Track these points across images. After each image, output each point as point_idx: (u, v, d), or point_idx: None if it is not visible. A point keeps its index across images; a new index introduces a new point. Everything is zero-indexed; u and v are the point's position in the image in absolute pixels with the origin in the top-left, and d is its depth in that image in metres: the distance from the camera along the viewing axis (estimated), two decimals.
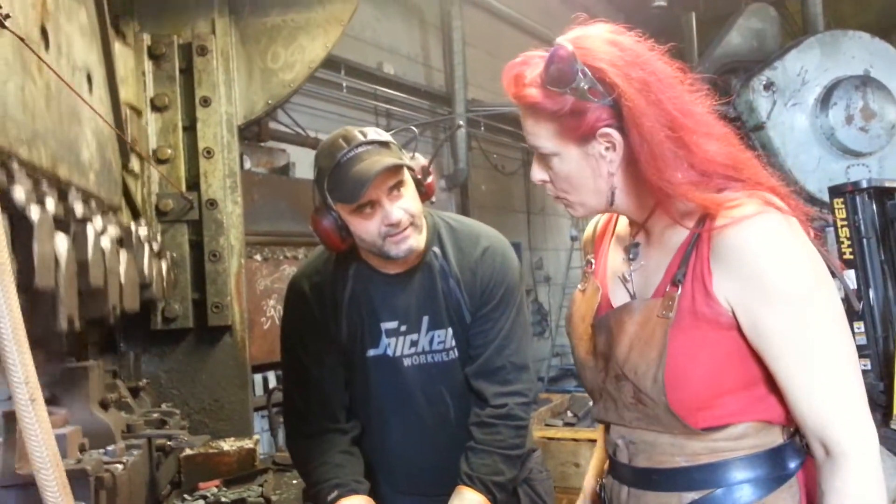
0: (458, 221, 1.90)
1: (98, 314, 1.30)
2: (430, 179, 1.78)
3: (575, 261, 10.52)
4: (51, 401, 1.69)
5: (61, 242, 1.06)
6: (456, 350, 1.81)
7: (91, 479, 1.36)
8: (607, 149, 1.21)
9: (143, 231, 1.72)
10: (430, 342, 1.80)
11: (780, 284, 1.14)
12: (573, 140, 1.22)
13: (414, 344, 1.80)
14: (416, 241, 1.70)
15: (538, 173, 1.29)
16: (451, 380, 1.81)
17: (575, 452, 3.63)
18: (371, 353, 1.81)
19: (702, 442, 1.21)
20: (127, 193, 2.00)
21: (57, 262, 1.03)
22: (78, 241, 1.17)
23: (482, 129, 8.23)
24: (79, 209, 1.20)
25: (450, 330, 1.80)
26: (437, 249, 1.82)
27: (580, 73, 1.17)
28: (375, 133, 1.69)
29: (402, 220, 1.66)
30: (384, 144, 1.68)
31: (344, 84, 6.32)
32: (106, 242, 1.30)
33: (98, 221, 1.30)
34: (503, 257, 1.83)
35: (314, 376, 1.83)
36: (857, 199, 4.32)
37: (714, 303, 1.17)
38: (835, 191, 4.48)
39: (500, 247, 1.85)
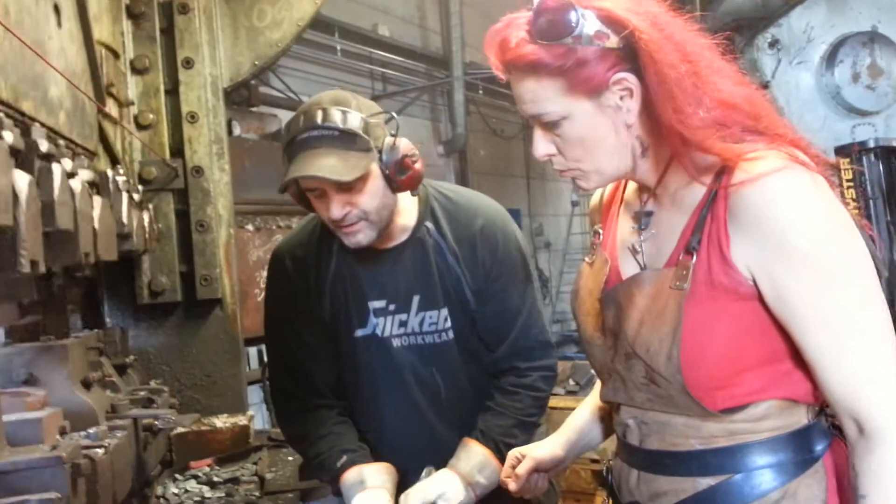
0: (455, 192, 1.81)
1: (69, 261, 1.18)
2: (405, 175, 1.60)
3: (576, 227, 10.45)
4: (29, 381, 1.61)
5: (21, 178, 0.95)
6: (451, 332, 1.74)
7: (67, 466, 1.27)
8: (623, 97, 1.10)
9: (121, 178, 1.59)
10: (421, 323, 1.73)
11: (805, 247, 1.03)
12: (584, 94, 1.10)
13: (403, 324, 1.73)
14: (365, 236, 1.61)
15: (543, 146, 1.17)
16: (443, 361, 1.75)
17: None
18: (359, 332, 1.75)
19: (719, 423, 1.12)
20: (104, 139, 1.86)
21: (16, 197, 0.92)
22: (43, 180, 1.05)
23: (481, 92, 8.08)
24: (43, 145, 1.08)
25: (445, 310, 1.72)
26: (430, 224, 1.73)
27: (581, 17, 1.06)
28: (342, 117, 1.54)
29: (345, 218, 1.57)
30: (347, 136, 1.54)
31: (338, 47, 6.16)
32: (76, 184, 1.18)
33: (67, 162, 1.19)
34: (505, 231, 1.75)
35: (298, 356, 1.77)
36: (864, 158, 4.23)
37: (732, 270, 1.07)
38: (841, 151, 4.38)
39: (500, 220, 1.77)
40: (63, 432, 1.50)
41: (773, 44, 6.27)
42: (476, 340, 1.76)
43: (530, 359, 1.76)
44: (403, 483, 1.69)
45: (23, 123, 1.10)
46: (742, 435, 1.12)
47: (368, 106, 1.64)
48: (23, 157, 1.03)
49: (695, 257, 1.10)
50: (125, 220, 1.57)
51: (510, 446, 1.65)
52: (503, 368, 1.77)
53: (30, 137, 1.06)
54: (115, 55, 2.04)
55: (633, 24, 1.06)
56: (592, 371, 1.72)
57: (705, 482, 1.14)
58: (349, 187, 1.54)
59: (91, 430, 1.52)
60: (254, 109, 4.50)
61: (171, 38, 2.34)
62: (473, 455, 1.67)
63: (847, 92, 6.22)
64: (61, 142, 1.28)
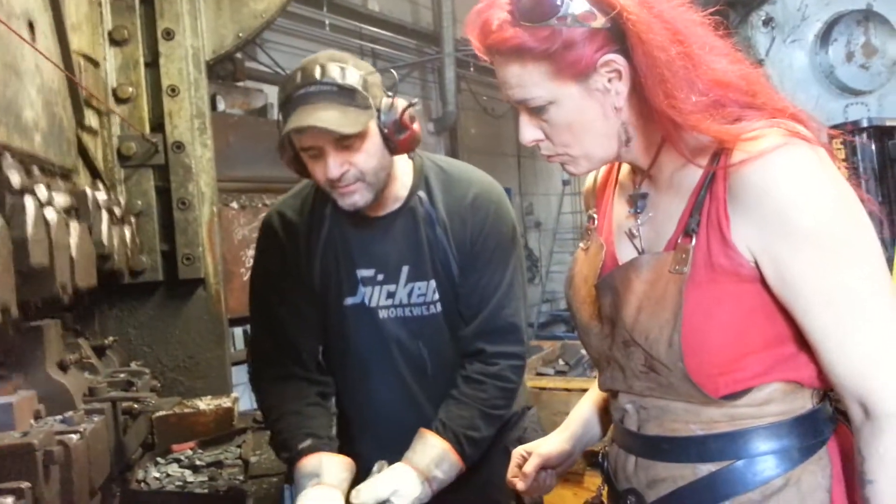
0: (450, 164, 1.76)
1: (44, 295, 1.19)
2: (403, 135, 1.56)
3: (566, 206, 10.42)
4: (2, 364, 1.55)
5: None
6: (439, 304, 1.68)
7: (39, 453, 1.22)
8: (611, 80, 1.06)
9: (101, 195, 1.59)
10: (409, 294, 1.68)
11: (807, 224, 0.99)
12: (571, 78, 1.05)
13: (391, 295, 1.68)
14: (361, 197, 1.57)
15: (529, 132, 1.13)
16: (430, 335, 1.70)
17: (567, 402, 3.53)
18: (349, 301, 1.70)
19: (720, 409, 1.08)
20: (84, 153, 1.82)
21: None
22: (15, 216, 1.04)
23: (472, 69, 7.98)
24: (15, 179, 1.06)
25: (433, 282, 1.67)
26: (422, 194, 1.68)
27: None
28: (340, 73, 1.51)
29: (343, 177, 1.52)
30: (346, 91, 1.50)
31: (326, 22, 6.06)
32: (51, 214, 1.17)
33: (42, 191, 1.17)
34: (497, 206, 1.69)
35: (282, 318, 1.72)
36: (857, 138, 4.20)
37: (733, 252, 1.03)
38: (834, 130, 4.35)
39: (495, 194, 1.71)
40: (37, 417, 1.45)
41: (768, 21, 6.20)
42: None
43: (497, 342, 1.67)
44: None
45: None
46: (744, 420, 1.08)
47: (365, 66, 1.59)
48: None
49: (694, 240, 1.05)
50: (105, 240, 1.56)
51: (472, 439, 1.60)
52: (470, 351, 1.69)
53: (0, 172, 1.03)
54: (95, 64, 1.98)
55: (620, 3, 1.01)
56: (583, 352, 1.67)
57: (705, 468, 1.10)
58: (348, 145, 1.51)
59: (67, 415, 1.47)
60: (239, 84, 4.40)
61: (150, 8, 2.26)
62: (431, 448, 1.58)
63: (841, 71, 6.17)
64: (36, 170, 1.25)
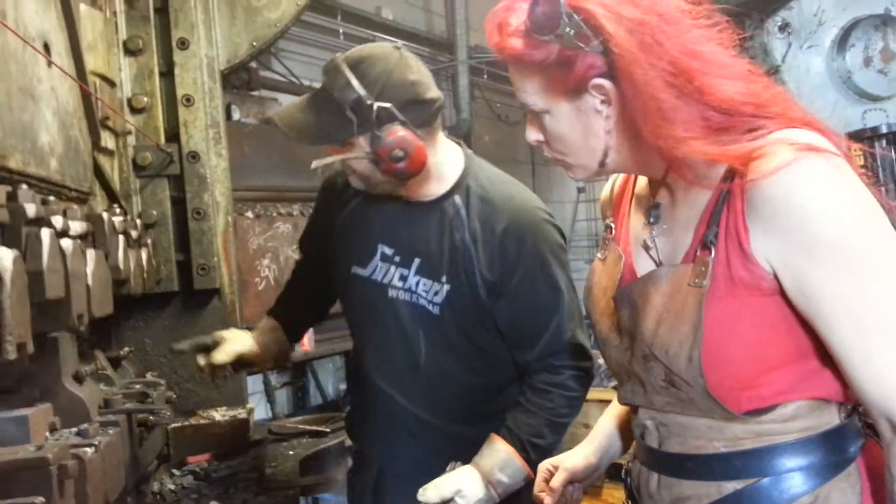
0: (492, 185, 1.74)
1: (60, 328, 1.20)
2: (400, 163, 1.54)
3: (581, 213, 10.38)
4: (17, 376, 1.55)
5: (5, 256, 0.93)
6: (439, 308, 1.68)
7: (53, 467, 1.20)
8: (603, 102, 1.06)
9: (117, 219, 1.58)
10: (417, 284, 1.71)
11: (827, 237, 0.96)
12: (562, 94, 1.07)
13: (403, 278, 1.72)
14: (356, 184, 1.68)
15: (532, 133, 1.16)
16: (430, 329, 1.72)
17: (585, 413, 3.46)
18: (356, 270, 1.77)
19: (745, 425, 1.05)
20: (100, 175, 1.82)
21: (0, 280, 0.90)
22: (31, 248, 1.04)
23: (485, 77, 7.97)
24: (31, 210, 1.06)
25: (445, 287, 1.67)
26: (458, 199, 1.69)
27: (565, 17, 1.01)
28: (343, 84, 1.53)
29: (343, 164, 1.63)
30: (334, 103, 1.55)
31: (340, 30, 6.07)
32: (67, 243, 1.16)
33: (58, 220, 1.16)
34: (534, 233, 1.68)
35: (309, 231, 2.01)
36: (876, 145, 4.15)
37: (753, 265, 1.01)
38: (853, 137, 4.30)
39: (526, 222, 1.69)
40: (53, 429, 1.44)
41: (784, 27, 6.17)
42: (473, 323, 1.71)
43: (564, 359, 1.70)
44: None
45: (9, 182, 1.08)
46: (770, 436, 1.05)
47: (400, 78, 1.57)
48: (8, 228, 1.00)
49: (713, 252, 1.03)
50: (121, 265, 1.56)
51: (537, 446, 1.63)
52: (536, 368, 1.71)
53: (16, 202, 1.03)
54: (111, 84, 1.99)
55: (607, 32, 1.00)
56: (600, 361, 1.66)
57: (731, 486, 1.07)
58: (341, 143, 1.60)
59: (82, 427, 1.46)
60: (254, 93, 4.40)
61: (165, 18, 2.26)
62: (496, 452, 1.63)
63: (858, 77, 6.11)
64: (52, 198, 1.24)
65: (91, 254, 1.30)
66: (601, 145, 1.10)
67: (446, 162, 1.70)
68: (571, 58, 1.04)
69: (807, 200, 0.97)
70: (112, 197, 1.92)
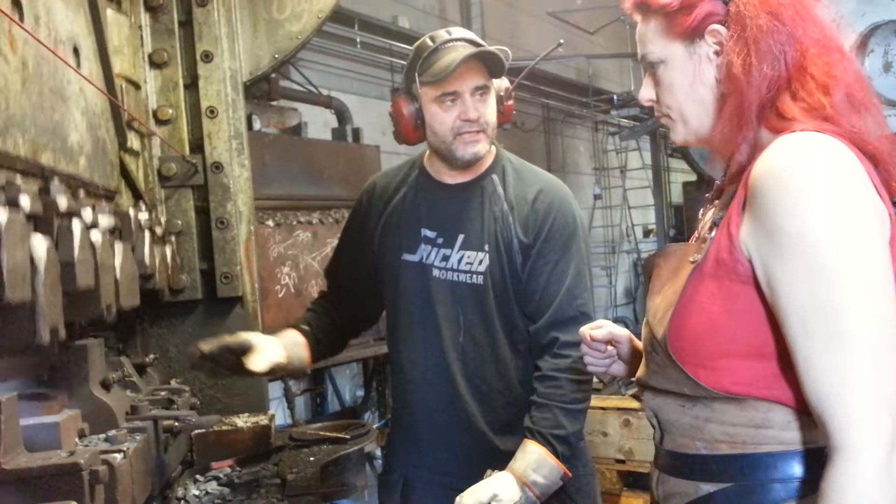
0: (522, 163, 1.99)
1: (91, 316, 1.22)
2: (509, 102, 1.87)
3: (597, 219, 10.35)
4: (48, 383, 1.58)
5: (39, 245, 0.95)
6: (481, 276, 1.81)
7: (85, 473, 1.24)
8: (716, 53, 1.11)
9: (143, 216, 1.62)
10: (459, 261, 1.83)
11: (791, 230, 0.97)
12: (679, 37, 1.12)
13: (445, 258, 1.85)
14: (482, 147, 1.81)
15: (646, 91, 1.22)
16: (469, 303, 1.83)
17: (602, 422, 3.49)
18: (406, 257, 1.89)
19: (721, 427, 1.07)
20: (126, 175, 1.86)
21: (34, 267, 0.93)
22: (63, 239, 1.08)
23: None
24: (62, 203, 1.09)
25: (483, 254, 1.81)
26: (495, 177, 1.88)
27: None
28: (474, 37, 1.83)
29: (479, 119, 1.77)
30: (483, 48, 1.79)
31: (358, 40, 6.12)
32: (97, 236, 1.20)
33: (88, 213, 1.20)
34: (561, 201, 1.88)
35: (335, 259, 2.14)
36: None
37: (735, 249, 1.04)
38: None
39: (558, 191, 1.91)
40: (82, 436, 1.47)
41: None
42: (511, 294, 1.82)
43: (570, 331, 1.73)
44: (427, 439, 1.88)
45: (42, 177, 1.11)
46: (745, 445, 1.07)
47: None
48: (41, 219, 1.03)
49: (713, 232, 1.09)
50: (147, 260, 1.60)
51: (559, 437, 1.69)
52: (543, 342, 1.78)
53: (48, 195, 1.07)
54: (137, 87, 2.03)
55: None
56: None
57: (706, 488, 1.11)
58: (482, 96, 1.79)
59: (110, 433, 1.49)
60: (274, 103, 4.46)
61: (189, 32, 2.29)
62: (529, 454, 1.69)
63: (878, 83, 6.03)
64: (81, 192, 1.28)
65: (119, 247, 1.34)
66: (709, 96, 1.14)
67: None
68: (694, 3, 1.11)
69: (781, 191, 0.98)
70: (137, 195, 1.96)
